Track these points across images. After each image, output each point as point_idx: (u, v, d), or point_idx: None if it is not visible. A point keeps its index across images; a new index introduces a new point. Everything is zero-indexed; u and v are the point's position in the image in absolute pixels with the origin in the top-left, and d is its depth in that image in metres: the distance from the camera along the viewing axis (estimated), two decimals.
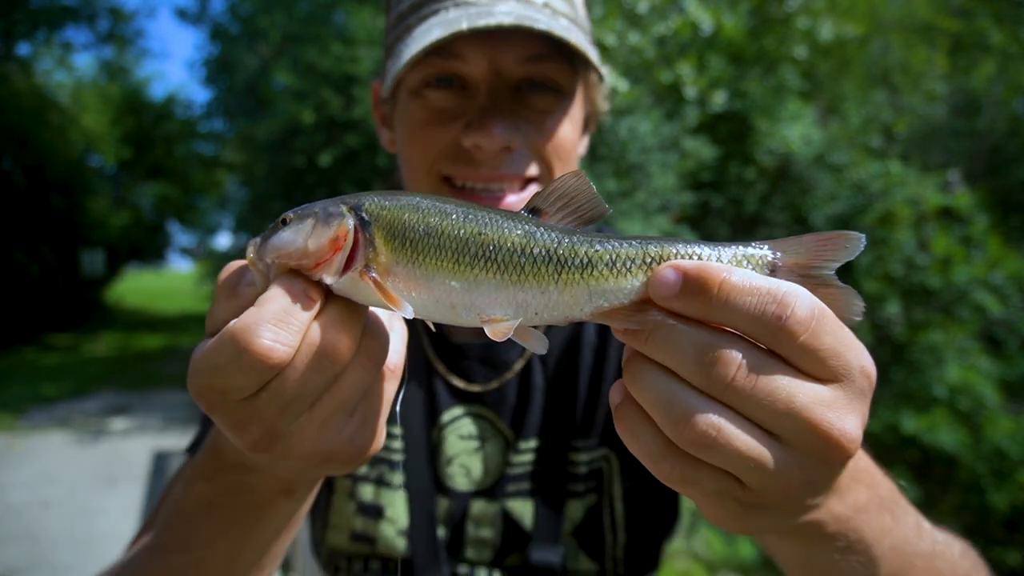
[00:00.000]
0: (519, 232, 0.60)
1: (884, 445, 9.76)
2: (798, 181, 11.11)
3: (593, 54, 0.99)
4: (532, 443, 1.19)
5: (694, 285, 0.55)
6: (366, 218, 0.60)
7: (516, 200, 0.99)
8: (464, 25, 0.86)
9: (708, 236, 10.71)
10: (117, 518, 7.23)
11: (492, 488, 1.19)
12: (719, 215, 11.25)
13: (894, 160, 11.52)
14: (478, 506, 1.19)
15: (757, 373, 0.55)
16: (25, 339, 19.28)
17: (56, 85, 25.34)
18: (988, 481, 9.18)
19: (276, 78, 11.73)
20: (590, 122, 1.17)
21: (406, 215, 0.60)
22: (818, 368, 0.56)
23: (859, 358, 0.58)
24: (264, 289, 0.61)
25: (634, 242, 0.60)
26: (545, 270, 0.59)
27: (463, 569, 1.20)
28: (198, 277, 26.64)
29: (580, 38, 0.98)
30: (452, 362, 1.23)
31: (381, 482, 1.24)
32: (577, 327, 1.17)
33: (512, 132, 0.95)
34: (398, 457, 1.22)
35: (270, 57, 13.98)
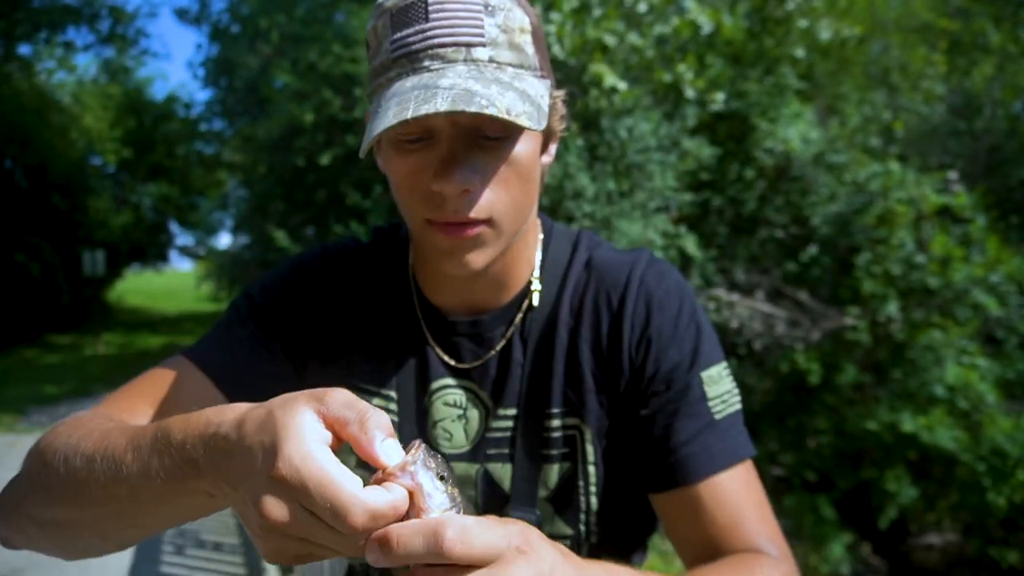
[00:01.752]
0: None
1: (883, 445, 9.82)
2: (798, 181, 11.15)
3: (534, 102, 1.08)
4: (511, 411, 1.27)
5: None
6: None
7: (475, 231, 1.11)
8: (409, 114, 0.96)
9: (708, 235, 10.75)
10: None
11: (473, 450, 1.27)
12: (719, 215, 11.29)
13: (893, 160, 11.53)
14: (461, 467, 1.27)
15: None
16: (26, 339, 19.33)
17: (57, 85, 25.37)
18: (987, 480, 9.23)
19: (276, 78, 11.77)
20: (549, 141, 1.29)
21: None
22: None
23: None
24: (395, 487, 0.66)
25: None
26: None
27: None
28: (199, 277, 26.67)
29: (526, 87, 1.06)
30: (443, 337, 1.30)
31: None
32: (553, 309, 1.27)
33: (470, 175, 1.08)
34: (393, 418, 1.30)
35: (270, 57, 14.01)
